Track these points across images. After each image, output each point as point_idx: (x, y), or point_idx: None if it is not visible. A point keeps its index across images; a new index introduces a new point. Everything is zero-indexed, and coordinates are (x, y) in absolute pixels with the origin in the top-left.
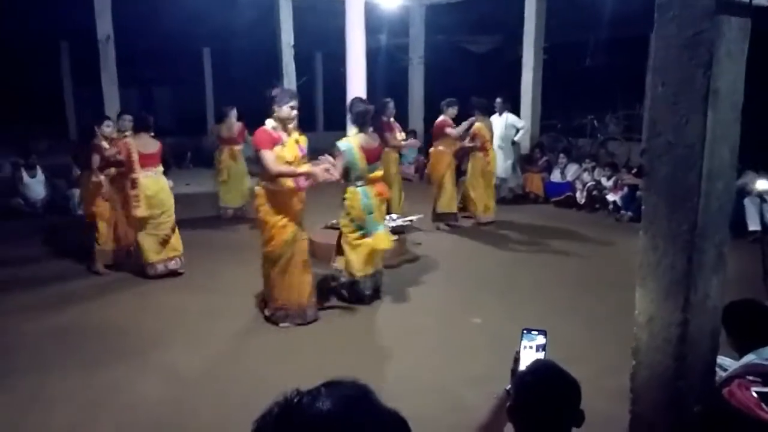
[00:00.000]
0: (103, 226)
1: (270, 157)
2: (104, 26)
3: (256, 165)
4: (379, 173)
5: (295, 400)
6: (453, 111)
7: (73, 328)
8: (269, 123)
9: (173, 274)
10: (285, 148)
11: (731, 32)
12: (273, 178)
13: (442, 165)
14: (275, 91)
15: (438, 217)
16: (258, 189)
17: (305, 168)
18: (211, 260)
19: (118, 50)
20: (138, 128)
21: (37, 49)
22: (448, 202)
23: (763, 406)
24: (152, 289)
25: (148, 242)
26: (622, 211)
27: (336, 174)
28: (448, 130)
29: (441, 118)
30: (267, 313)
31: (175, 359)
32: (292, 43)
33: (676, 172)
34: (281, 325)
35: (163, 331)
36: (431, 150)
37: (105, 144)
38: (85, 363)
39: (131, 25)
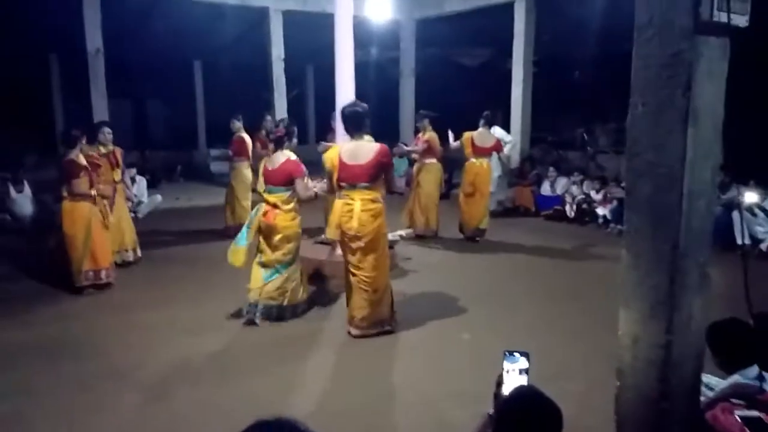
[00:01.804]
0: (76, 244)
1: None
2: (94, 39)
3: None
4: None
5: None
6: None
7: (56, 346)
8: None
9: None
10: None
11: (710, 52)
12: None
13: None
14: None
15: (482, 233)
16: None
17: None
18: (200, 276)
19: (110, 63)
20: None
21: (27, 61)
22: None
23: (747, 430)
24: (137, 306)
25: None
26: (612, 225)
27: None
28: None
29: (496, 136)
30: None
31: (160, 378)
32: (283, 56)
33: (657, 192)
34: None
35: (148, 349)
36: (475, 161)
37: (81, 158)
38: (68, 382)
39: (122, 39)
